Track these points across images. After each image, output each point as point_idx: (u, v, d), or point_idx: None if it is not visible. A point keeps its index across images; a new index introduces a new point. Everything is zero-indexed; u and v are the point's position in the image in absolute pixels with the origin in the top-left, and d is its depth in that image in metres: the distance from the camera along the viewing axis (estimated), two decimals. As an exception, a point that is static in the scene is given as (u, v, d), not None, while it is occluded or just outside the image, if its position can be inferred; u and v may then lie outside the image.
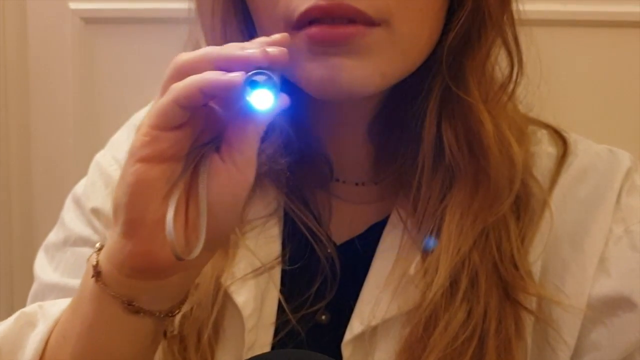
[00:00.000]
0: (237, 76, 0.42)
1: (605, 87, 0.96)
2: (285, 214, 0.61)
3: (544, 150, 0.60)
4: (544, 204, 0.57)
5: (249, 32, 0.55)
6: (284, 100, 0.45)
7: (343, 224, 0.61)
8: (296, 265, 0.59)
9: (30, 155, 1.14)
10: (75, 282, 0.60)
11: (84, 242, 0.64)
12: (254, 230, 0.59)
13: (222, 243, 0.50)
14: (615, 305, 0.54)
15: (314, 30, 0.49)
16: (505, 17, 0.55)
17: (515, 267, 0.55)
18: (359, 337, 0.57)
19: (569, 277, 0.56)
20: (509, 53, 0.56)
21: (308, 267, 0.59)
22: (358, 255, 0.60)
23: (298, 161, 0.58)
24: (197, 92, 0.43)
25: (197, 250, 0.45)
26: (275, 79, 0.43)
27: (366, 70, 0.50)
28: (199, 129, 0.46)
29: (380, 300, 0.56)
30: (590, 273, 0.55)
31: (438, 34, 0.54)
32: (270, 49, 0.44)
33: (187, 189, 0.46)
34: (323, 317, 0.59)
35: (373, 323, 0.56)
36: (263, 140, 0.54)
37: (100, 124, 1.10)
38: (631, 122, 0.96)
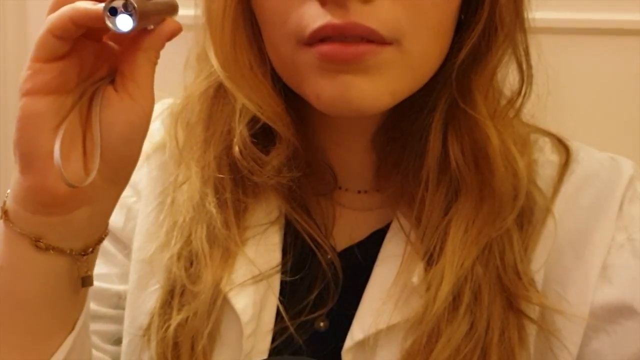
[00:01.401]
0: (100, 6, 0.43)
1: (608, 94, 0.97)
2: (287, 222, 0.60)
3: (547, 158, 0.60)
4: (547, 212, 0.57)
5: (257, 43, 0.55)
6: (172, 25, 0.47)
7: (344, 231, 0.61)
8: (298, 276, 0.59)
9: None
10: None
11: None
12: (255, 237, 0.59)
13: (125, 175, 0.50)
14: (617, 313, 0.54)
15: (326, 48, 0.49)
16: (517, 31, 0.55)
17: (519, 276, 0.55)
18: (360, 345, 0.56)
19: (571, 285, 0.56)
20: (520, 67, 0.56)
21: (308, 274, 0.59)
22: (358, 262, 0.59)
23: (303, 172, 0.58)
24: (68, 22, 0.43)
25: (90, 177, 0.45)
26: (139, 2, 0.44)
27: (377, 89, 0.50)
28: (89, 62, 0.47)
29: (383, 309, 0.56)
30: (592, 281, 0.55)
31: (447, 51, 0.54)
32: None
33: (84, 121, 0.47)
34: (322, 324, 0.59)
35: (374, 331, 0.56)
36: (269, 151, 0.56)
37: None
38: (633, 128, 0.96)
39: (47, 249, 0.48)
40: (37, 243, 0.48)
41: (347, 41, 0.49)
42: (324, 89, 0.51)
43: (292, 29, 0.51)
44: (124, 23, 0.44)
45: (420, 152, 0.56)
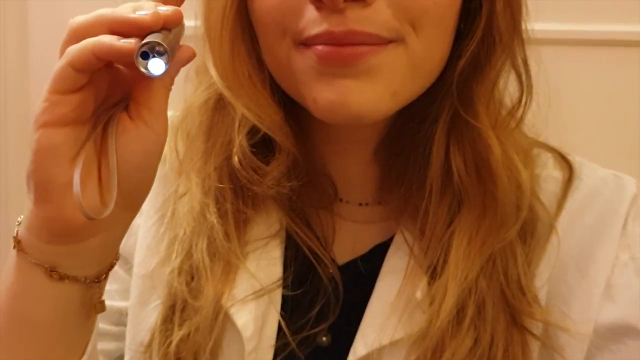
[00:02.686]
0: (128, 44, 0.42)
1: (609, 106, 0.97)
2: (288, 235, 0.60)
3: (549, 173, 0.59)
4: (551, 228, 0.57)
5: (256, 53, 0.55)
6: (188, 52, 0.46)
7: (346, 244, 0.61)
8: (299, 290, 0.58)
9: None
10: None
11: None
12: (256, 251, 0.59)
13: (139, 202, 0.49)
14: (621, 332, 0.54)
15: (322, 49, 0.48)
16: (515, 42, 0.55)
17: (522, 292, 0.55)
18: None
19: (575, 302, 0.55)
20: (519, 78, 0.56)
21: (310, 288, 0.59)
22: (361, 276, 0.59)
23: (303, 182, 0.57)
24: (91, 56, 0.42)
25: (108, 209, 0.45)
26: (168, 42, 0.43)
27: (377, 92, 0.49)
28: (103, 90, 0.46)
29: (386, 324, 0.55)
30: (596, 299, 0.55)
31: (447, 56, 0.53)
32: (162, 9, 0.44)
33: (99, 150, 0.46)
34: (324, 339, 0.59)
35: (378, 346, 0.55)
36: (269, 161, 0.55)
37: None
38: (635, 141, 0.96)
39: (62, 278, 0.48)
40: (52, 273, 0.47)
41: (345, 44, 0.48)
42: (321, 94, 0.50)
43: (288, 31, 0.50)
44: (156, 67, 0.43)
45: (424, 164, 0.55)
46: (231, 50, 0.54)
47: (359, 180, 0.60)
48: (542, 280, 0.56)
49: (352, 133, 0.58)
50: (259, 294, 0.57)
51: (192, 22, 0.58)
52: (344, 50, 0.48)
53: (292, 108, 0.56)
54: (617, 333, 0.54)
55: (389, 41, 0.49)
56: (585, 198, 0.58)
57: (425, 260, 0.56)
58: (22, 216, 0.49)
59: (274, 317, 0.58)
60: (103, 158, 0.46)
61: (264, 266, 0.58)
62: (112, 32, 0.43)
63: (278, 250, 0.59)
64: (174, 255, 0.59)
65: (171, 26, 0.45)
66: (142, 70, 0.43)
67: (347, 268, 0.60)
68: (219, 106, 0.58)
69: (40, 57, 1.12)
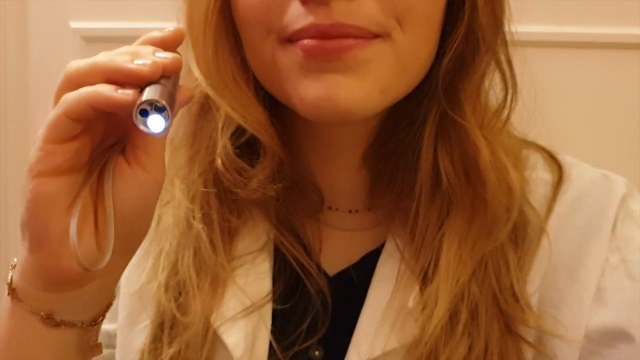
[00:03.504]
0: (126, 96, 0.41)
1: (601, 109, 0.96)
2: (276, 248, 0.59)
3: (539, 176, 0.59)
4: (541, 232, 0.56)
5: (239, 52, 0.54)
6: (186, 95, 0.45)
7: (337, 253, 0.60)
8: (288, 305, 0.57)
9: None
10: None
11: None
12: (244, 266, 0.58)
13: (136, 246, 0.48)
14: (612, 336, 0.53)
15: (308, 43, 0.48)
16: (498, 41, 0.54)
17: (516, 298, 0.54)
18: None
19: (565, 307, 0.55)
20: (503, 77, 0.55)
21: (300, 302, 0.58)
22: (353, 286, 0.58)
23: (288, 189, 0.56)
24: (87, 107, 0.41)
25: (105, 259, 0.44)
26: (167, 94, 0.42)
27: (364, 87, 0.49)
28: (99, 135, 0.45)
29: (379, 333, 0.55)
30: (587, 304, 0.54)
31: (434, 54, 0.53)
32: (160, 57, 0.43)
33: (95, 195, 0.45)
34: (317, 352, 0.58)
35: (371, 357, 0.54)
36: (254, 165, 0.54)
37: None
38: (627, 144, 0.95)
39: (58, 324, 0.47)
40: (48, 320, 0.47)
41: (331, 37, 0.47)
42: (307, 90, 0.49)
43: (272, 28, 0.50)
44: (156, 124, 0.41)
45: (413, 167, 0.55)
46: (215, 49, 0.53)
47: (349, 187, 0.60)
48: (535, 287, 0.55)
49: (340, 137, 0.57)
50: (248, 310, 0.56)
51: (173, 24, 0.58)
52: (329, 44, 0.47)
53: (276, 113, 0.55)
54: (609, 337, 0.53)
55: (375, 36, 0.48)
56: (575, 200, 0.57)
57: (416, 265, 0.55)
58: (15, 260, 0.48)
59: (264, 335, 0.57)
60: (99, 203, 0.45)
61: (252, 281, 0.57)
62: (109, 81, 0.42)
63: (266, 263, 0.58)
64: (160, 270, 0.58)
65: (170, 74, 0.43)
66: (142, 127, 0.42)
67: (339, 278, 0.59)
68: (202, 111, 0.57)
69: (40, 57, 1.12)
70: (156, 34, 0.45)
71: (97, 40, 1.09)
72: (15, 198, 1.15)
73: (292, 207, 0.58)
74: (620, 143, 0.96)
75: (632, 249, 0.55)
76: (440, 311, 0.52)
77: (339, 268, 0.59)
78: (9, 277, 0.48)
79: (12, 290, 0.47)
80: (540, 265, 0.56)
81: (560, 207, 0.57)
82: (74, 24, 1.09)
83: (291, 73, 0.50)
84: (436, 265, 0.54)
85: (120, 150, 0.46)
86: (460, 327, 0.52)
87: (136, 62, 0.42)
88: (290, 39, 0.49)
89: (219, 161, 0.54)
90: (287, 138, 0.56)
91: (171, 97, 0.42)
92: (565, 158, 0.60)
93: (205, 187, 0.57)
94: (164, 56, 0.43)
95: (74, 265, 0.44)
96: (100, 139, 0.46)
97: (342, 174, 0.59)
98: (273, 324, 0.57)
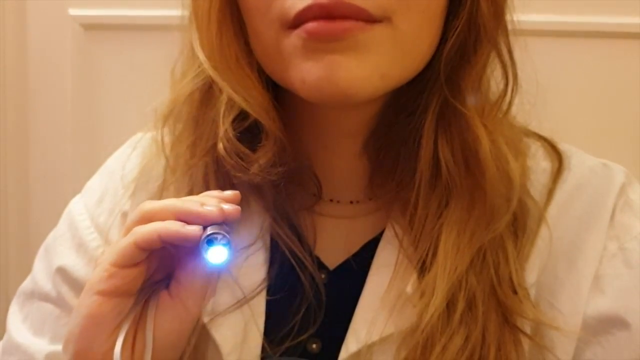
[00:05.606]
0: (194, 231, 0.46)
1: (602, 99, 0.96)
2: (271, 239, 0.59)
3: (539, 165, 0.59)
4: (540, 221, 0.56)
5: (243, 36, 0.54)
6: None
7: (338, 243, 0.60)
8: (280, 295, 0.57)
9: (29, 161, 1.15)
10: (39, 342, 0.61)
11: (47, 298, 0.63)
12: (238, 258, 0.58)
13: None
14: (610, 324, 0.53)
15: (311, 25, 0.48)
16: (499, 30, 0.54)
17: (514, 290, 0.54)
18: (355, 357, 0.55)
19: (563, 295, 0.55)
20: (504, 67, 0.56)
21: (294, 294, 0.58)
22: (352, 276, 0.58)
23: (287, 179, 0.56)
24: (156, 238, 0.46)
25: None
26: (230, 234, 0.47)
27: (365, 69, 0.49)
28: (153, 267, 0.50)
29: (377, 319, 0.55)
30: (584, 291, 0.55)
31: (437, 42, 0.53)
32: (225, 207, 0.48)
33: (136, 322, 0.50)
34: (314, 345, 0.58)
35: (369, 341, 0.55)
36: (256, 150, 0.55)
37: (98, 130, 1.10)
38: (628, 134, 0.95)
39: None
40: None
41: (334, 17, 0.48)
42: (309, 71, 0.49)
43: (275, 13, 0.50)
44: (218, 255, 0.47)
45: (414, 156, 0.55)
46: (219, 32, 0.54)
47: (349, 176, 0.60)
48: (534, 277, 0.56)
49: (341, 124, 0.57)
50: (240, 303, 0.57)
51: (178, 11, 0.59)
52: (332, 25, 0.48)
53: (279, 98, 0.55)
54: (606, 324, 0.53)
55: (376, 20, 0.49)
56: (574, 189, 0.58)
57: (415, 254, 0.55)
58: None
59: (256, 329, 0.57)
60: (139, 330, 0.50)
61: (246, 273, 0.57)
62: (177, 220, 0.47)
63: (261, 254, 0.58)
64: None
65: (231, 221, 0.49)
66: (206, 257, 0.46)
67: (339, 270, 0.59)
68: (205, 99, 0.57)
69: (39, 44, 1.12)
70: (217, 193, 0.51)
71: (96, 28, 1.08)
72: (15, 196, 1.14)
73: (290, 198, 0.58)
74: (620, 132, 0.96)
75: (630, 237, 0.55)
76: (437, 300, 0.52)
77: (339, 259, 0.59)
78: None
79: None
80: (539, 256, 0.56)
81: (559, 196, 0.58)
82: (73, 11, 1.09)
83: (294, 57, 0.50)
84: (434, 254, 0.54)
85: (165, 285, 0.51)
86: (457, 316, 0.53)
87: (205, 207, 0.48)
88: (294, 24, 0.49)
89: (220, 145, 0.55)
90: (288, 124, 0.56)
91: (231, 236, 0.47)
92: (565, 147, 0.60)
93: (206, 172, 0.57)
94: (228, 207, 0.49)
95: None
96: (152, 274, 0.51)
97: (342, 162, 0.59)
98: (267, 316, 0.57)
